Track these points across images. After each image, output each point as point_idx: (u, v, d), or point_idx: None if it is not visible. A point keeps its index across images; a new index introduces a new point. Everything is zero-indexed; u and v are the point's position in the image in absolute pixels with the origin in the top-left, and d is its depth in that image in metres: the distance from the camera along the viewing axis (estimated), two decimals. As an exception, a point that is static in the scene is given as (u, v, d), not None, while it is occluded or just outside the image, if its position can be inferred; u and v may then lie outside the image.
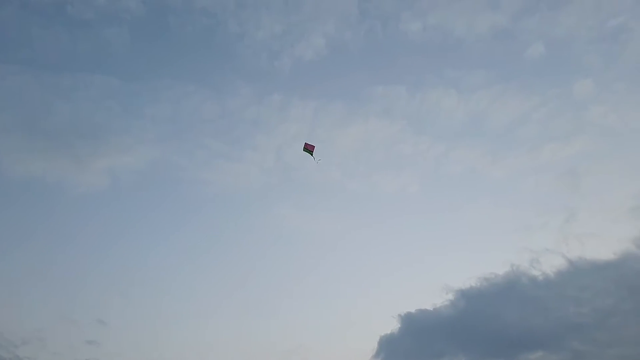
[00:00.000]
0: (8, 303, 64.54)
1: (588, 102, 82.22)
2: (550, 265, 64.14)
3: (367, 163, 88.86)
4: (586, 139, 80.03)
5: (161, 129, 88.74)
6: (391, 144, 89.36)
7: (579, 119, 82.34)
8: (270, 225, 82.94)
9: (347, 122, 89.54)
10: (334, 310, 74.59)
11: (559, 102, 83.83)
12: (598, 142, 79.69)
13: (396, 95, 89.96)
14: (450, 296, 65.09)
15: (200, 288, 74.89)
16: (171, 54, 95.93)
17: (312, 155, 37.54)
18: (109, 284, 71.97)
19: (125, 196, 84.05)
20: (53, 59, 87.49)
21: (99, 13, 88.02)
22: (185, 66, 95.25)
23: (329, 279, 78.35)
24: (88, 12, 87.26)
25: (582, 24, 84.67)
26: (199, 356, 66.33)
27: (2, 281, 66.92)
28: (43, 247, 74.21)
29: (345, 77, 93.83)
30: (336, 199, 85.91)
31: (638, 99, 79.26)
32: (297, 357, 66.08)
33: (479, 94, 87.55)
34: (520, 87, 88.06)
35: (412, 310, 65.21)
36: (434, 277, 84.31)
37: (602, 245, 69.26)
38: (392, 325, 68.67)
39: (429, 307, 65.19)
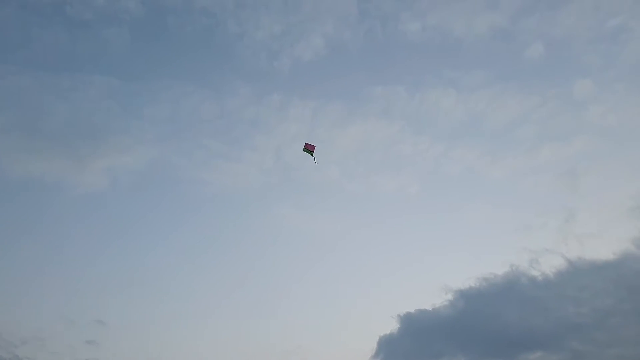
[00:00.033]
0: (7, 303, 64.59)
1: (587, 102, 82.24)
2: (549, 265, 64.20)
3: (366, 163, 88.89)
4: (586, 139, 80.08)
5: (160, 129, 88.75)
6: (390, 144, 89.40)
7: (578, 119, 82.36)
8: (270, 225, 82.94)
9: (347, 122, 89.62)
10: (333, 311, 74.54)
11: (558, 102, 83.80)
12: (598, 142, 79.72)
13: (395, 95, 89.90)
14: (450, 296, 65.13)
15: (200, 288, 74.83)
16: (170, 54, 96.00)
17: (312, 155, 37.09)
18: (108, 284, 71.97)
19: (125, 196, 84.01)
20: (52, 59, 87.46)
21: (98, 13, 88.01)
22: (185, 66, 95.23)
23: (328, 279, 78.32)
24: (87, 13, 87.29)
25: (581, 24, 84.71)
26: (198, 356, 66.32)
27: (1, 281, 67.01)
28: (42, 248, 74.20)
29: (345, 77, 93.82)
30: (335, 199, 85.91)
31: (638, 99, 79.26)
32: (296, 357, 66.21)
33: (478, 94, 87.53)
34: (520, 87, 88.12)
35: (412, 310, 65.24)
36: (433, 277, 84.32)
37: (602, 245, 69.48)
38: (391, 326, 68.78)
39: (428, 308, 65.23)
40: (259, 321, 70.18)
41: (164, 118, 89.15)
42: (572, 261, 63.16)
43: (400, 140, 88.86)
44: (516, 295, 62.46)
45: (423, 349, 61.98)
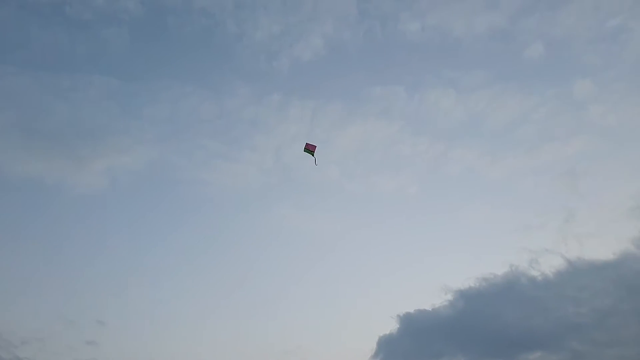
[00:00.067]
0: (7, 304, 64.58)
1: (587, 102, 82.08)
2: (549, 265, 64.19)
3: (365, 163, 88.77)
4: (585, 139, 80.00)
5: (159, 129, 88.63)
6: (390, 144, 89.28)
7: (578, 119, 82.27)
8: (269, 225, 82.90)
9: (346, 123, 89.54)
10: (333, 311, 74.50)
11: (558, 102, 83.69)
12: (597, 142, 79.62)
13: (395, 95, 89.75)
14: (449, 296, 65.10)
15: (200, 288, 74.85)
16: (170, 55, 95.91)
17: (313, 155, 36.69)
18: (108, 285, 71.99)
19: (124, 196, 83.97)
20: (51, 59, 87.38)
21: (98, 14, 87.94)
22: (184, 66, 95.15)
23: (327, 279, 78.27)
24: (86, 13, 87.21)
25: (581, 24, 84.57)
26: (197, 356, 66.29)
27: (1, 281, 67.02)
28: (42, 248, 74.17)
29: (344, 77, 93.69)
30: (335, 199, 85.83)
31: (638, 99, 79.19)
32: (296, 357, 66.14)
33: (477, 94, 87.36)
34: (519, 87, 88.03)
35: (411, 310, 65.22)
36: (433, 278, 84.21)
37: (601, 245, 69.55)
38: (390, 326, 68.74)
39: (428, 308, 65.23)
40: (259, 321, 70.36)
41: (164, 118, 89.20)
42: (571, 261, 63.30)
43: (399, 140, 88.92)
44: (516, 296, 62.54)
45: (423, 349, 62.08)
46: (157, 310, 70.59)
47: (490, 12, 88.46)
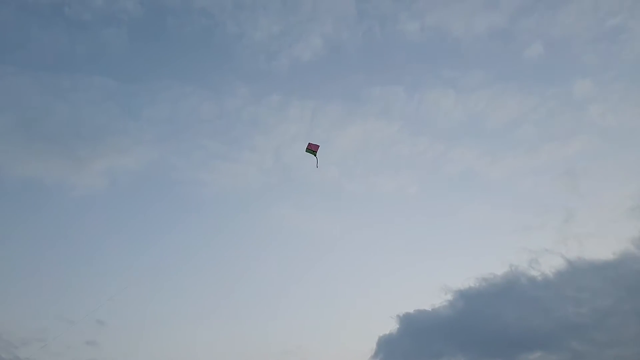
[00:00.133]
0: (7, 304, 64.51)
1: (587, 102, 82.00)
2: (549, 265, 64.05)
3: (365, 163, 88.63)
4: (585, 139, 79.86)
5: (159, 129, 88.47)
6: (389, 145, 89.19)
7: (577, 118, 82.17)
8: (269, 225, 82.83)
9: (346, 123, 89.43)
10: (332, 311, 74.36)
11: (557, 102, 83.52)
12: (597, 142, 79.51)
13: (394, 95, 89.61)
14: (449, 297, 64.94)
15: (199, 288, 74.73)
16: (169, 55, 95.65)
17: (315, 155, 36.05)
18: (108, 285, 71.60)
19: (124, 197, 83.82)
20: (51, 60, 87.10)
21: (97, 14, 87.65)
22: (183, 67, 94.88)
23: (327, 279, 78.17)
24: (86, 13, 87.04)
25: (581, 24, 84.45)
26: (197, 356, 66.46)
27: (1, 282, 67.01)
28: (42, 248, 74.07)
29: (343, 77, 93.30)
30: (334, 200, 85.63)
31: (637, 99, 79.18)
32: (296, 357, 66.06)
33: (477, 94, 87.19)
34: (519, 87, 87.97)
35: (411, 310, 65.06)
36: (433, 278, 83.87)
37: (601, 245, 69.42)
38: (390, 326, 68.39)
39: (428, 308, 65.09)
40: (259, 321, 70.24)
41: (163, 119, 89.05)
42: (571, 261, 63.21)
43: (399, 140, 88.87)
44: (516, 296, 62.52)
45: (422, 349, 62.06)
46: (157, 310, 70.53)
47: (489, 12, 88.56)
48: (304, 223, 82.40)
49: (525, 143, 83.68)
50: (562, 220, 72.89)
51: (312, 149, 36.19)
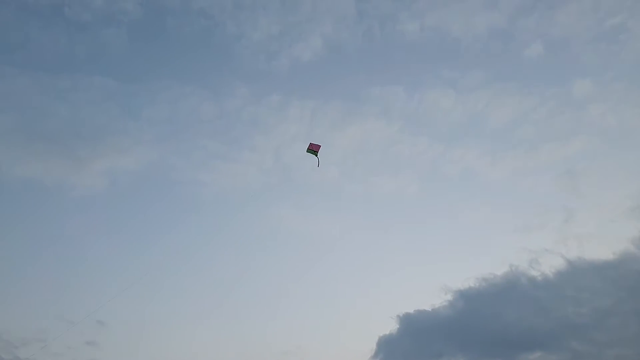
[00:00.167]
0: (7, 304, 64.52)
1: (587, 102, 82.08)
2: (549, 265, 64.08)
3: (365, 164, 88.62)
4: (585, 139, 79.97)
5: (159, 130, 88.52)
6: (389, 145, 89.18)
7: (577, 118, 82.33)
8: (269, 225, 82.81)
9: (345, 123, 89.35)
10: (332, 311, 74.33)
11: (557, 102, 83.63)
12: (597, 142, 79.69)
13: (394, 95, 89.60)
14: (449, 297, 64.94)
15: (199, 288, 74.76)
16: (169, 55, 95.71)
17: (316, 156, 35.93)
18: (108, 285, 71.58)
19: (123, 197, 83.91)
20: (51, 60, 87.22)
21: (97, 15, 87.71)
22: (183, 67, 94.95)
23: (327, 279, 78.19)
24: (85, 14, 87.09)
25: (580, 24, 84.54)
26: (197, 356, 66.40)
27: (1, 282, 67.01)
28: (42, 248, 74.15)
29: (343, 77, 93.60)
30: (334, 200, 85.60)
31: (637, 99, 79.29)
32: (295, 357, 65.95)
33: (477, 94, 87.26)
34: (519, 87, 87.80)
35: (411, 310, 65.04)
36: (433, 278, 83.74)
37: (601, 245, 69.59)
38: (390, 326, 68.54)
39: (428, 308, 65.08)
40: (258, 321, 70.24)
41: (163, 119, 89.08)
42: (571, 261, 63.23)
43: (399, 140, 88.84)
44: (516, 296, 62.50)
45: (422, 349, 62.01)
46: (157, 310, 70.60)
47: (489, 12, 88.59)
48: (304, 223, 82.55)
49: (525, 143, 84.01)
50: (562, 220, 73.19)
51: (313, 149, 36.07)
